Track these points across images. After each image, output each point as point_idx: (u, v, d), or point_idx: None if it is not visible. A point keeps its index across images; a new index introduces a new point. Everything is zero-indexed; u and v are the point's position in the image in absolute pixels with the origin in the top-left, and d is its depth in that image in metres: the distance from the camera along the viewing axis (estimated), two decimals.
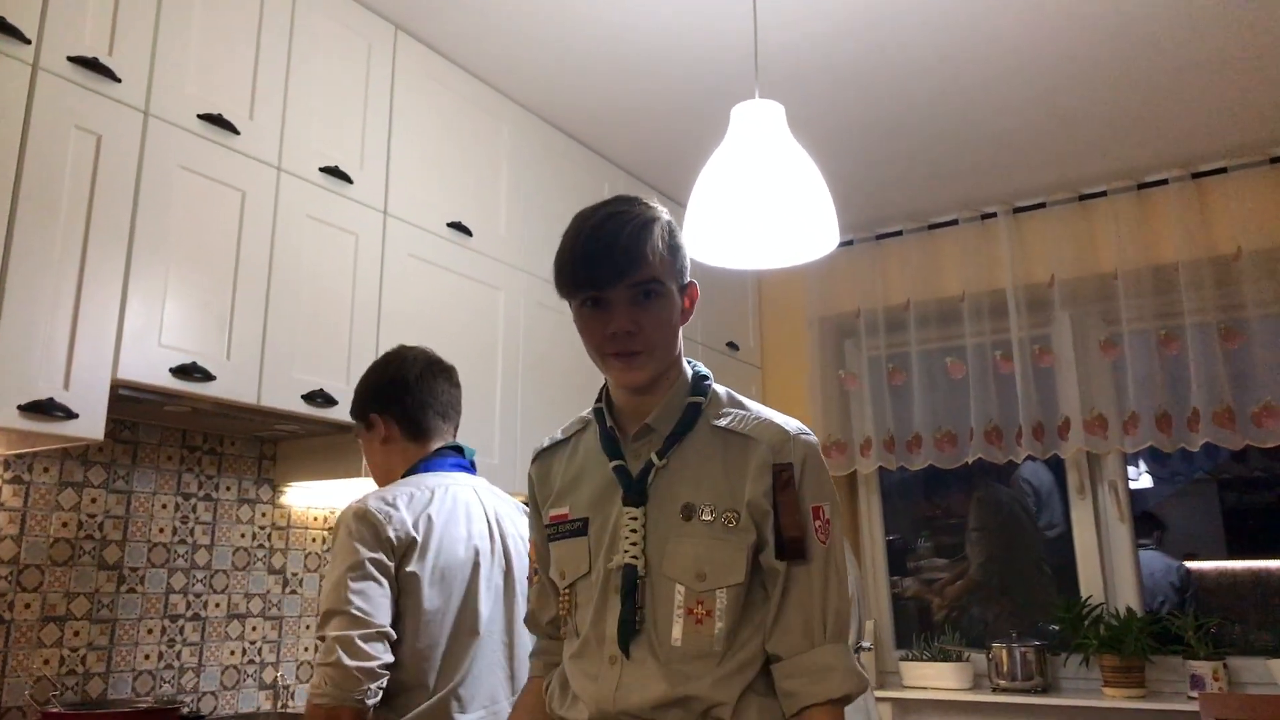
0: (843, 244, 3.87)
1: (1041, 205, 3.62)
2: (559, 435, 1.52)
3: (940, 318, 3.74)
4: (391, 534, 1.64)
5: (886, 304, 3.85)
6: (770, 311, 4.16)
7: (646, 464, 1.33)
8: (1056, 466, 3.76)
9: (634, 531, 1.30)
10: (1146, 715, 3.12)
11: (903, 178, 3.52)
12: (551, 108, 3.00)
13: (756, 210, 1.83)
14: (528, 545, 1.86)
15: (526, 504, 1.56)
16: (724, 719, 1.24)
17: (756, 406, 1.38)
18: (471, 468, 1.91)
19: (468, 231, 2.67)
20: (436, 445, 1.88)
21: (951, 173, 3.48)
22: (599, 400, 1.46)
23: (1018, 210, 3.66)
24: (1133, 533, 3.53)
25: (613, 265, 1.30)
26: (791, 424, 1.34)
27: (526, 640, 1.79)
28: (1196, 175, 3.37)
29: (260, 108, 2.19)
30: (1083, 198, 3.56)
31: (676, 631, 1.26)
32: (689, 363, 1.43)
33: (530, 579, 1.53)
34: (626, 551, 1.29)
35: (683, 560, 1.27)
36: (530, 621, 1.53)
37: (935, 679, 3.52)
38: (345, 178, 2.35)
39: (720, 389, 1.41)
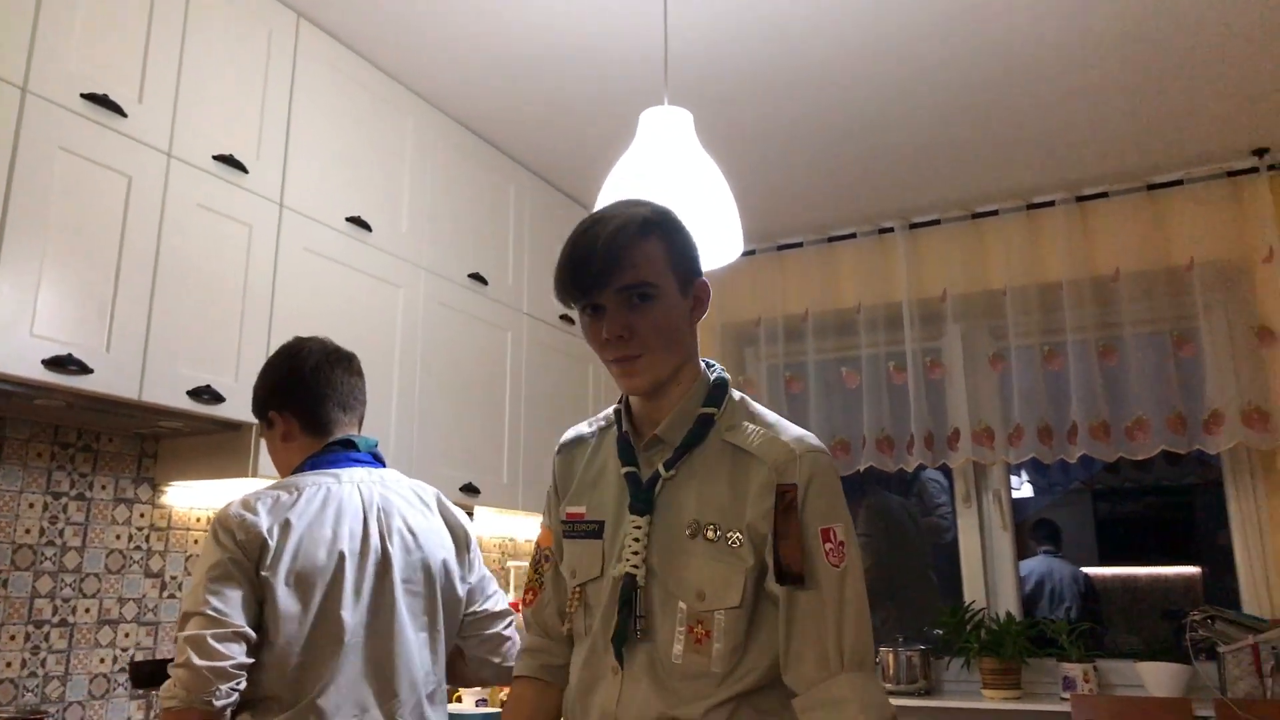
0: (746, 253, 3.92)
1: (936, 222, 3.73)
2: (585, 429, 1.48)
3: (837, 328, 3.82)
4: (245, 537, 1.59)
5: (786, 313, 3.92)
6: None
7: (654, 474, 1.31)
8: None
9: (637, 540, 1.28)
10: (1022, 715, 3.24)
11: (805, 190, 3.59)
12: (459, 105, 2.96)
13: None
14: (437, 537, 1.80)
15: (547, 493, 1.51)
16: None
17: (771, 418, 1.34)
18: (374, 460, 1.83)
19: (367, 227, 2.61)
20: (336, 438, 1.81)
21: (852, 187, 3.56)
22: (620, 400, 1.42)
23: (914, 226, 3.77)
24: (1014, 540, 3.67)
25: (598, 270, 1.25)
26: (801, 441, 1.28)
27: (412, 646, 1.72)
28: (1081, 199, 3.53)
29: (151, 90, 2.10)
30: (975, 216, 3.69)
31: (677, 648, 1.24)
32: (708, 365, 1.38)
33: (540, 565, 1.47)
34: (628, 560, 1.27)
35: (686, 577, 1.25)
36: (532, 615, 1.46)
37: None
38: (240, 167, 2.27)
39: (738, 396, 1.37)
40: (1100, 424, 3.32)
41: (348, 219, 2.55)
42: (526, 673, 1.46)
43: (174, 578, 2.46)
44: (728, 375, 1.39)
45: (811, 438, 1.30)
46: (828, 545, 1.22)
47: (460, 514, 1.90)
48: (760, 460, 1.26)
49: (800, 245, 3.94)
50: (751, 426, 1.31)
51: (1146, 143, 3.23)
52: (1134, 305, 3.39)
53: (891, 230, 3.80)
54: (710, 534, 1.26)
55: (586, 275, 1.26)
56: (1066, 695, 3.21)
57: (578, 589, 1.36)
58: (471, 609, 1.85)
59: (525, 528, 3.57)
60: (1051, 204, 3.56)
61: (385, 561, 1.71)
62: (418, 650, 1.74)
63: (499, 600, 1.90)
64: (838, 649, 1.19)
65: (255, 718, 1.58)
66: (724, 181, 1.92)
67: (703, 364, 1.37)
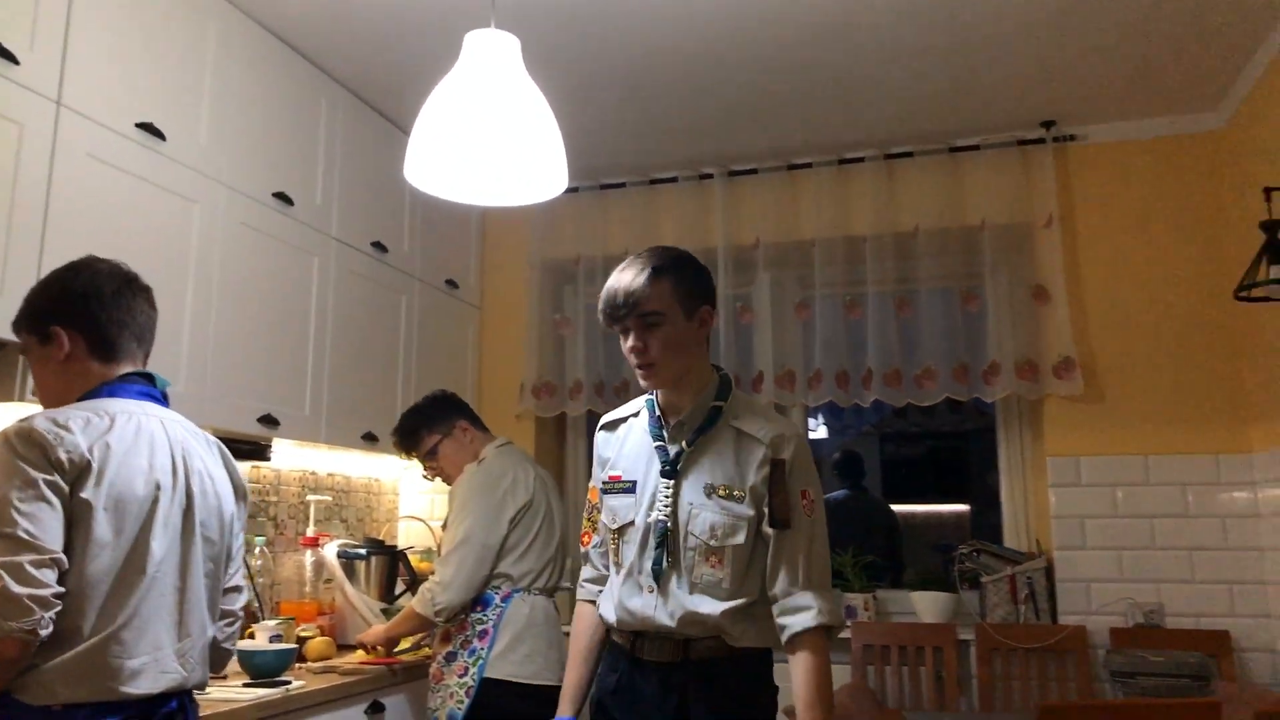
0: (569, 190, 3.88)
1: (754, 171, 3.82)
2: (623, 413, 1.98)
3: None
4: (64, 456, 1.49)
5: (606, 253, 3.93)
6: (492, 251, 4.11)
7: (680, 449, 1.83)
8: None
9: (668, 498, 1.80)
10: None
11: (630, 130, 3.58)
12: (267, 10, 2.75)
13: (484, 144, 1.78)
14: (218, 487, 1.75)
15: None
16: (726, 632, 1.76)
17: (761, 408, 1.88)
18: (163, 400, 1.75)
19: (161, 135, 2.40)
20: (125, 370, 1.70)
21: (676, 130, 3.59)
22: (650, 392, 1.93)
23: (732, 173, 3.85)
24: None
25: (622, 304, 1.80)
26: (789, 427, 1.82)
27: (203, 589, 1.69)
28: (889, 156, 3.70)
29: None
30: (791, 167, 3.80)
31: (698, 573, 1.77)
32: (717, 369, 1.90)
33: (592, 514, 1.99)
34: (660, 511, 1.80)
35: (703, 524, 1.77)
36: (591, 551, 2.01)
37: None
38: (9, 56, 2.02)
39: (740, 394, 1.89)
40: (893, 371, 3.54)
41: (138, 125, 2.34)
42: (587, 597, 2.00)
43: None
44: (731, 376, 1.91)
45: (793, 425, 1.84)
46: (805, 502, 1.77)
47: (237, 466, 1.86)
48: (760, 442, 1.79)
49: (623, 186, 3.95)
50: (751, 416, 1.82)
51: (950, 107, 3.41)
52: (929, 261, 3.61)
53: (711, 177, 3.86)
54: (721, 493, 1.77)
55: (616, 308, 1.80)
56: (849, 623, 3.45)
57: (614, 532, 1.88)
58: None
59: (328, 461, 3.45)
60: (861, 160, 3.71)
61: (190, 502, 1.69)
62: (206, 594, 1.71)
63: (240, 575, 1.87)
64: (805, 572, 1.75)
65: (51, 649, 1.48)
66: (550, 113, 1.88)
67: (713, 367, 1.89)
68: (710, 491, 1.78)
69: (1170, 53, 3.02)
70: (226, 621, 1.81)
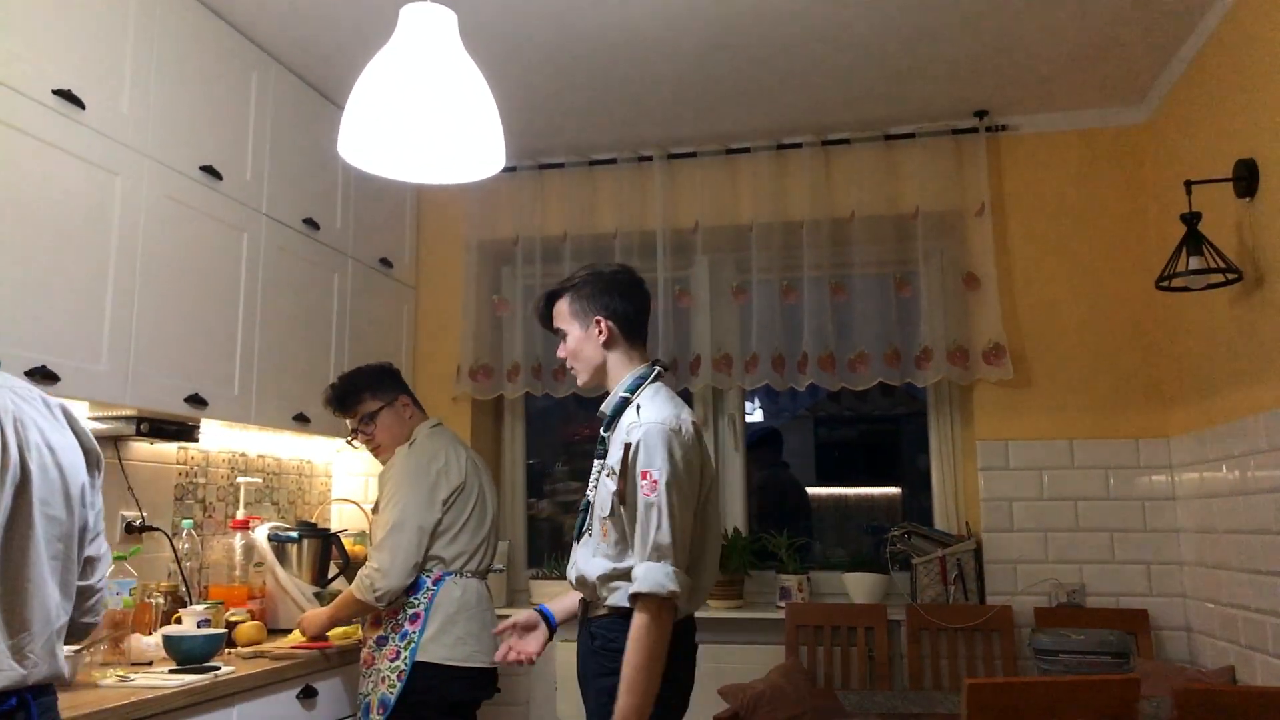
0: (506, 169, 3.83)
1: (693, 155, 3.82)
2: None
3: (594, 253, 3.85)
4: None
5: (544, 234, 3.89)
6: (428, 230, 4.05)
7: (601, 436, 2.13)
8: None
9: (595, 478, 2.10)
10: (742, 623, 3.50)
11: (570, 110, 3.55)
12: None
13: (420, 120, 1.74)
14: (65, 456, 1.61)
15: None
16: (598, 591, 2.03)
17: (649, 400, 2.05)
18: None
19: (80, 104, 2.30)
20: None
21: (615, 112, 3.56)
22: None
23: (671, 156, 3.84)
24: (744, 461, 3.91)
25: (543, 319, 2.25)
26: (647, 414, 2.01)
27: (46, 575, 1.53)
28: (826, 143, 3.72)
29: None
30: (729, 151, 3.80)
31: (594, 540, 2.05)
32: (656, 364, 2.17)
33: None
34: (589, 489, 2.12)
35: (598, 499, 2.06)
36: None
37: None
38: None
39: (654, 388, 2.09)
40: (828, 355, 3.58)
41: (55, 91, 2.24)
42: None
43: None
44: (652, 372, 2.12)
45: (657, 415, 2.00)
46: (644, 482, 1.95)
47: (89, 430, 1.70)
48: (621, 427, 2.05)
49: (562, 166, 3.91)
50: (639, 408, 2.03)
51: (886, 95, 3.44)
52: (864, 247, 3.65)
53: (650, 159, 3.84)
54: (608, 474, 2.04)
55: (543, 323, 2.25)
56: (783, 604, 3.49)
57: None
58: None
59: (258, 443, 3.38)
60: (799, 146, 3.73)
61: (25, 480, 1.51)
62: (51, 580, 1.55)
63: (102, 543, 1.72)
64: (640, 544, 1.95)
65: None
66: (487, 91, 1.85)
67: (644, 366, 2.14)
68: (605, 470, 2.06)
69: (1098, 47, 3.09)
70: (85, 598, 1.67)
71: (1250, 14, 2.64)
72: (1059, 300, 3.53)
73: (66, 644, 1.66)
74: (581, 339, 2.15)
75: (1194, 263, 2.72)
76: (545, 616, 2.26)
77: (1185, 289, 2.86)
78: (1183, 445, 3.27)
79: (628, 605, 1.95)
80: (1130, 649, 2.97)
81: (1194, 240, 2.73)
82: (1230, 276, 2.69)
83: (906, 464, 4.47)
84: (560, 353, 2.20)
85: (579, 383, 2.20)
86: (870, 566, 3.58)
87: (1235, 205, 2.75)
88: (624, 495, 1.98)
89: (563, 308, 2.18)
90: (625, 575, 1.97)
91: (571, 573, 2.12)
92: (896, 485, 4.58)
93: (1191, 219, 2.74)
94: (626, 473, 1.97)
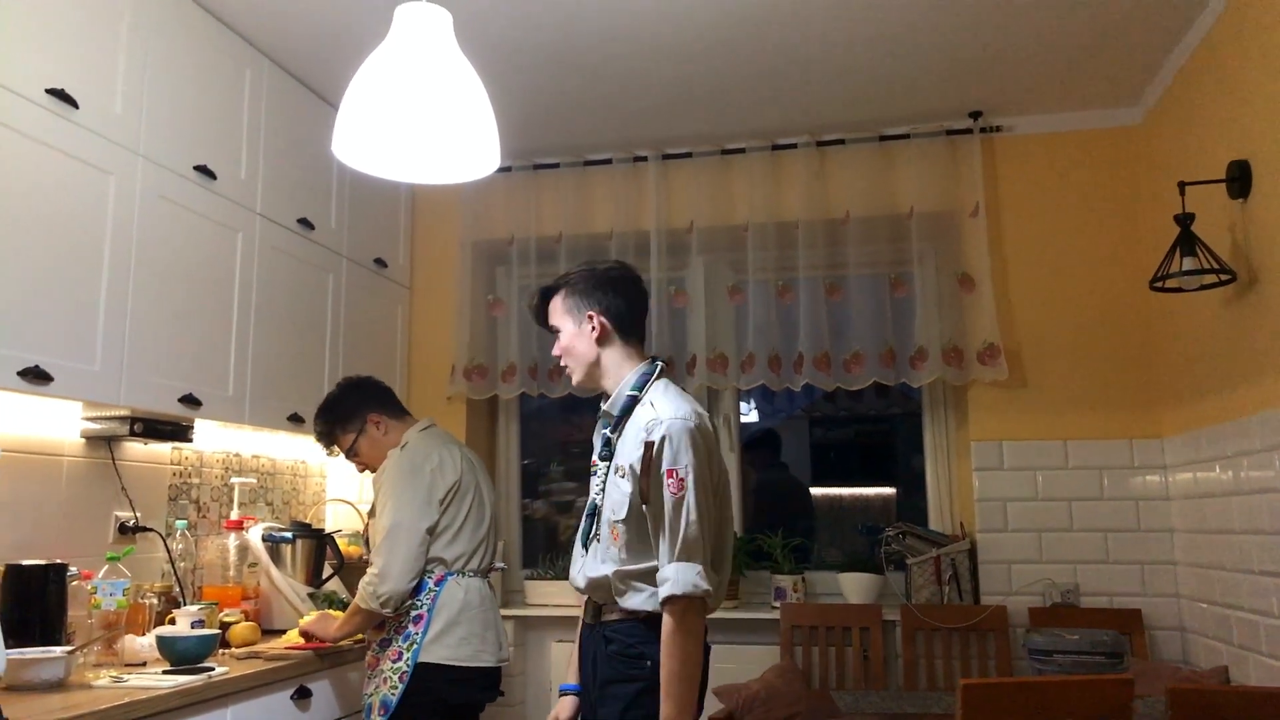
0: (501, 169, 3.84)
1: (688, 155, 3.82)
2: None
3: (590, 253, 3.84)
4: None
5: (540, 234, 3.89)
6: (423, 230, 4.04)
7: (605, 437, 2.07)
8: None
9: (601, 478, 2.06)
10: (738, 624, 3.50)
11: (565, 110, 3.55)
12: None
13: (415, 120, 1.74)
14: None
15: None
16: (615, 595, 1.99)
17: (660, 396, 2.01)
18: None
19: (73, 103, 2.30)
20: None
21: (611, 112, 3.56)
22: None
23: (667, 157, 3.84)
24: (740, 461, 3.91)
25: (539, 317, 2.20)
26: (665, 411, 1.95)
27: None
28: (821, 144, 3.73)
29: None
30: (725, 152, 3.81)
31: (605, 543, 2.01)
32: (655, 360, 2.12)
33: None
34: (595, 490, 2.07)
35: (610, 500, 2.01)
36: None
37: (558, 597, 3.69)
38: None
39: (662, 382, 2.06)
40: (823, 356, 3.58)
41: (48, 91, 2.23)
42: None
43: None
44: (655, 368, 2.09)
45: (677, 412, 1.95)
46: (670, 481, 1.91)
47: None
48: (638, 425, 1.98)
49: (557, 166, 3.91)
50: (652, 405, 1.98)
51: (880, 96, 3.45)
52: (859, 248, 3.65)
53: (645, 160, 3.84)
54: (620, 474, 1.99)
55: (538, 320, 2.20)
56: (777, 604, 3.49)
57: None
58: None
59: (252, 443, 3.37)
60: (794, 146, 3.74)
61: None
62: None
63: None
64: (669, 546, 1.91)
65: None
66: (483, 90, 1.85)
67: (646, 363, 2.10)
68: (617, 471, 2.00)
69: (1092, 49, 3.10)
70: None
71: (1243, 17, 2.65)
72: (1053, 301, 3.54)
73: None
74: (574, 335, 2.11)
75: (1188, 263, 2.73)
76: (574, 693, 2.17)
77: (1179, 290, 2.86)
78: (1176, 446, 3.28)
79: (649, 609, 1.94)
80: (1124, 649, 2.97)
81: (1187, 241, 2.74)
82: (1224, 277, 2.70)
83: (901, 464, 4.46)
84: (554, 350, 2.16)
85: (573, 381, 2.15)
86: (865, 567, 3.58)
87: (1229, 206, 2.76)
88: (646, 495, 1.92)
89: (557, 304, 2.15)
90: (642, 577, 1.95)
91: (579, 578, 2.08)
92: (891, 486, 4.58)
93: (1185, 220, 2.75)
94: (650, 471, 1.92)
